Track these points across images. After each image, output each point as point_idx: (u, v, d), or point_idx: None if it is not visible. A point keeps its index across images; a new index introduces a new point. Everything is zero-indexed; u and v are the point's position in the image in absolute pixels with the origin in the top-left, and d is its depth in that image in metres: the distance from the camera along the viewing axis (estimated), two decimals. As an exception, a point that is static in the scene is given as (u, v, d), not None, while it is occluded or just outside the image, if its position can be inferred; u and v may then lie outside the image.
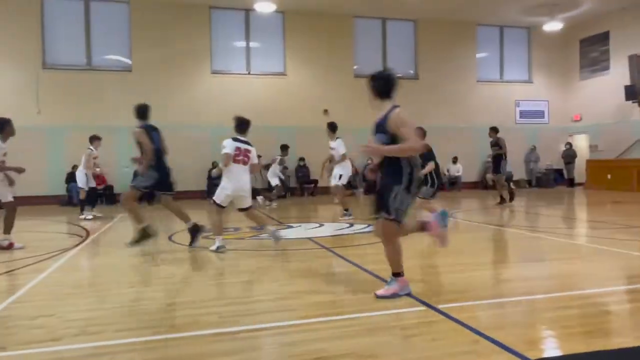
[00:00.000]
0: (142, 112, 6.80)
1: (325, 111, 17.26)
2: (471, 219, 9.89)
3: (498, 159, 12.01)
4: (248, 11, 16.79)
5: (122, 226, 10.00)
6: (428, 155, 7.96)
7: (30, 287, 4.70)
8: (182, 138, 13.87)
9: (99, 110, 15.26)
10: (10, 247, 6.73)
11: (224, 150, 6.27)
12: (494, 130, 12.21)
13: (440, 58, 18.54)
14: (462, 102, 18.87)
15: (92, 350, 3.08)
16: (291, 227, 8.89)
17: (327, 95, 17.38)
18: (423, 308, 3.77)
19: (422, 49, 18.58)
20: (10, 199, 6.80)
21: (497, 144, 12.02)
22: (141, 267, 5.79)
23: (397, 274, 4.07)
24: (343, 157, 9.99)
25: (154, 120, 6.96)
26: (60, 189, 15.00)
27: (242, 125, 6.48)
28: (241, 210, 6.64)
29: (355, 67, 17.92)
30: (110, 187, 15.10)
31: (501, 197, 11.97)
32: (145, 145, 6.53)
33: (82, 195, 11.14)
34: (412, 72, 18.68)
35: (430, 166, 7.96)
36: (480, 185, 18.68)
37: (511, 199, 12.09)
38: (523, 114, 19.88)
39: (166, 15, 15.99)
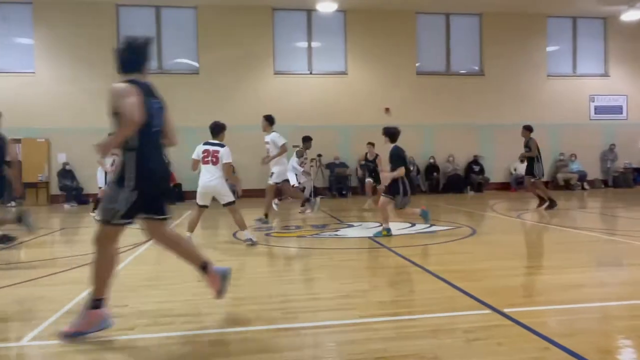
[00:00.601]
0: None
1: (387, 110, 17.12)
2: (540, 220, 9.47)
3: (531, 161, 10.93)
4: (310, 11, 16.95)
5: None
6: (398, 158, 7.43)
7: (107, 279, 5.02)
8: (247, 138, 14.10)
9: (170, 111, 15.96)
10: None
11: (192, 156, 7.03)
12: (527, 129, 10.96)
13: (507, 53, 17.82)
14: (531, 98, 18.04)
15: (162, 340, 3.26)
16: (352, 225, 8.90)
17: (388, 93, 17.22)
18: (488, 311, 3.66)
19: (488, 43, 17.92)
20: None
21: (527, 145, 10.87)
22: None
23: (96, 301, 3.28)
24: (281, 152, 9.10)
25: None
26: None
27: (214, 129, 7.07)
28: (224, 206, 7.01)
29: (417, 64, 17.61)
30: (179, 185, 15.75)
31: (541, 198, 10.85)
32: None
33: (100, 194, 10.98)
34: (477, 68, 18.11)
35: (399, 171, 7.34)
36: (551, 184, 17.79)
37: (540, 204, 10.82)
38: (598, 110, 18.72)
39: (231, 18, 16.44)
